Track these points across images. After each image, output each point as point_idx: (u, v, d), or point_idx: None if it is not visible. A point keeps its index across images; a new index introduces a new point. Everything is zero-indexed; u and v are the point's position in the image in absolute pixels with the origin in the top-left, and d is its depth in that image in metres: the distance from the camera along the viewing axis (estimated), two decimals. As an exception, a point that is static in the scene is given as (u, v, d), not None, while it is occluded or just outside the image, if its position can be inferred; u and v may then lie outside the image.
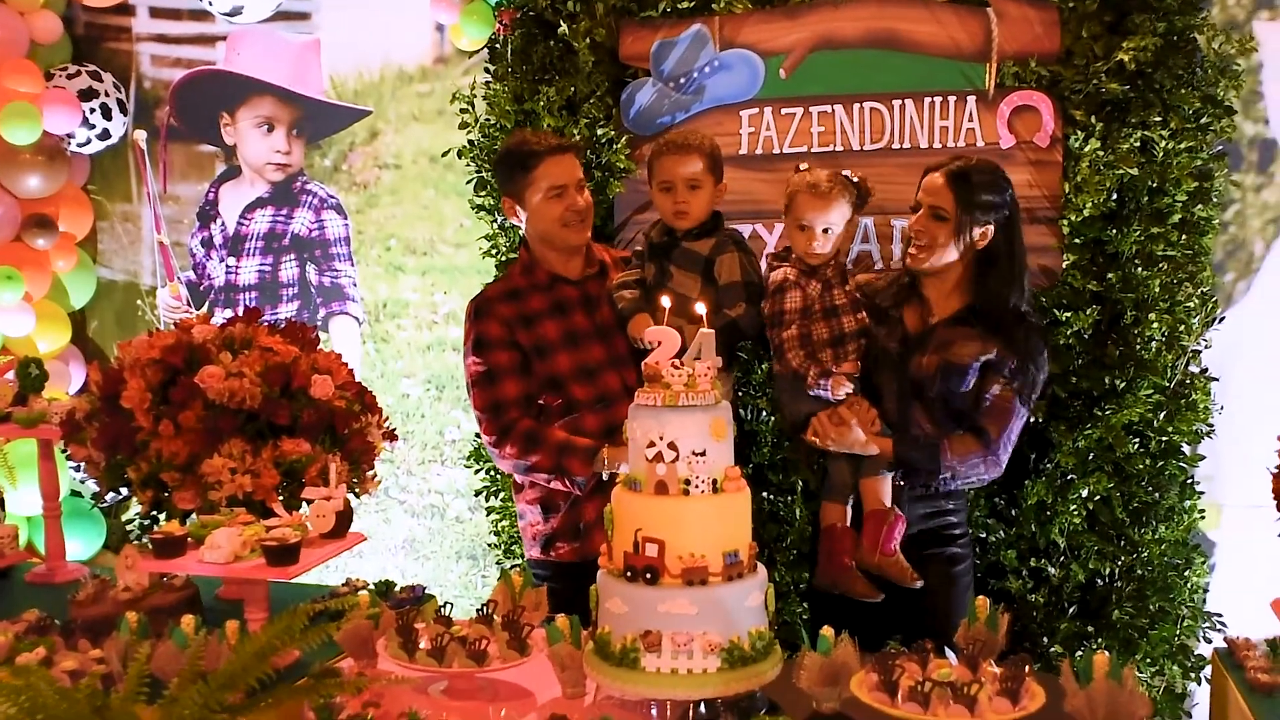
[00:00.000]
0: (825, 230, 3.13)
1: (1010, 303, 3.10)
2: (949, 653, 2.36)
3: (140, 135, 4.98)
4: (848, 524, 3.15)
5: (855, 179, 3.18)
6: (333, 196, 4.89)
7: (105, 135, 5.00)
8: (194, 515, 2.98)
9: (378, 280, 4.86)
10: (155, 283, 5.13)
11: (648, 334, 2.37)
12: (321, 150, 4.91)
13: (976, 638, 2.44)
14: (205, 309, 5.02)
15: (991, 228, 3.06)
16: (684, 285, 3.25)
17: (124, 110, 5.05)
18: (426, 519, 4.83)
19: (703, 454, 2.25)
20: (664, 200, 3.28)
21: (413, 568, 4.79)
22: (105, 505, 5.14)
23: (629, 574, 2.26)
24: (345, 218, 4.88)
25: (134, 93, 5.10)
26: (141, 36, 5.09)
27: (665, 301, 2.46)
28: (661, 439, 2.25)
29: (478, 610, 2.67)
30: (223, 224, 5.03)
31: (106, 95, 4.94)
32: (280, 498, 2.95)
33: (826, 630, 2.35)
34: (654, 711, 2.34)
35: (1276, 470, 2.65)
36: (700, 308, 2.42)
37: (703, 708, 2.31)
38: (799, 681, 2.34)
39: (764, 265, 3.40)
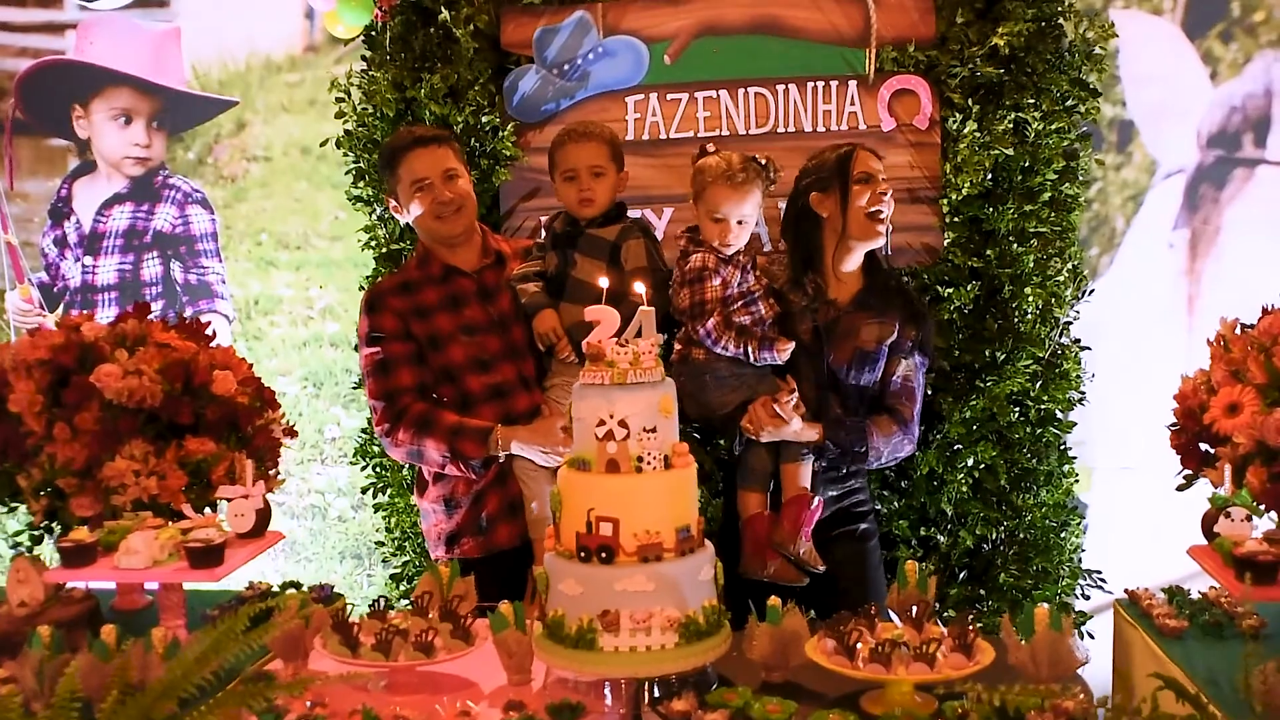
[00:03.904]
0: (740, 222, 3.10)
1: (891, 276, 3.26)
2: (892, 615, 2.42)
3: (-20, 130, 4.71)
4: (767, 510, 3.19)
5: (763, 161, 3.15)
6: (198, 191, 4.71)
7: (-56, 130, 4.72)
8: (85, 524, 2.84)
9: (249, 276, 4.70)
10: (3, 285, 4.85)
11: (587, 313, 2.37)
12: (185, 143, 4.72)
13: (911, 600, 2.52)
14: (60, 311, 4.77)
15: None
16: (588, 272, 3.23)
17: (-37, 102, 4.78)
18: (307, 520, 4.70)
19: (653, 431, 2.27)
20: (568, 190, 3.26)
21: (294, 570, 4.66)
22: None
23: (583, 554, 2.26)
24: (212, 212, 4.71)
25: (-28, 85, 4.83)
26: (-19, 24, 4.82)
27: (603, 282, 2.45)
28: (611, 417, 2.26)
29: (411, 603, 2.63)
30: (77, 221, 4.79)
31: (-54, 87, 4.67)
32: (187, 499, 2.85)
33: (774, 600, 2.40)
34: (607, 691, 2.34)
35: (1174, 428, 2.80)
36: (640, 287, 2.43)
37: (655, 685, 2.32)
38: (750, 653, 2.38)
39: (672, 243, 3.38)
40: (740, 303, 3.15)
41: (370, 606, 2.61)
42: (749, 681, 2.35)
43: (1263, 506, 2.50)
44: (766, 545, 3.11)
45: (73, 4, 4.55)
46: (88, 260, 4.78)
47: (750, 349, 3.09)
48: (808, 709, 2.17)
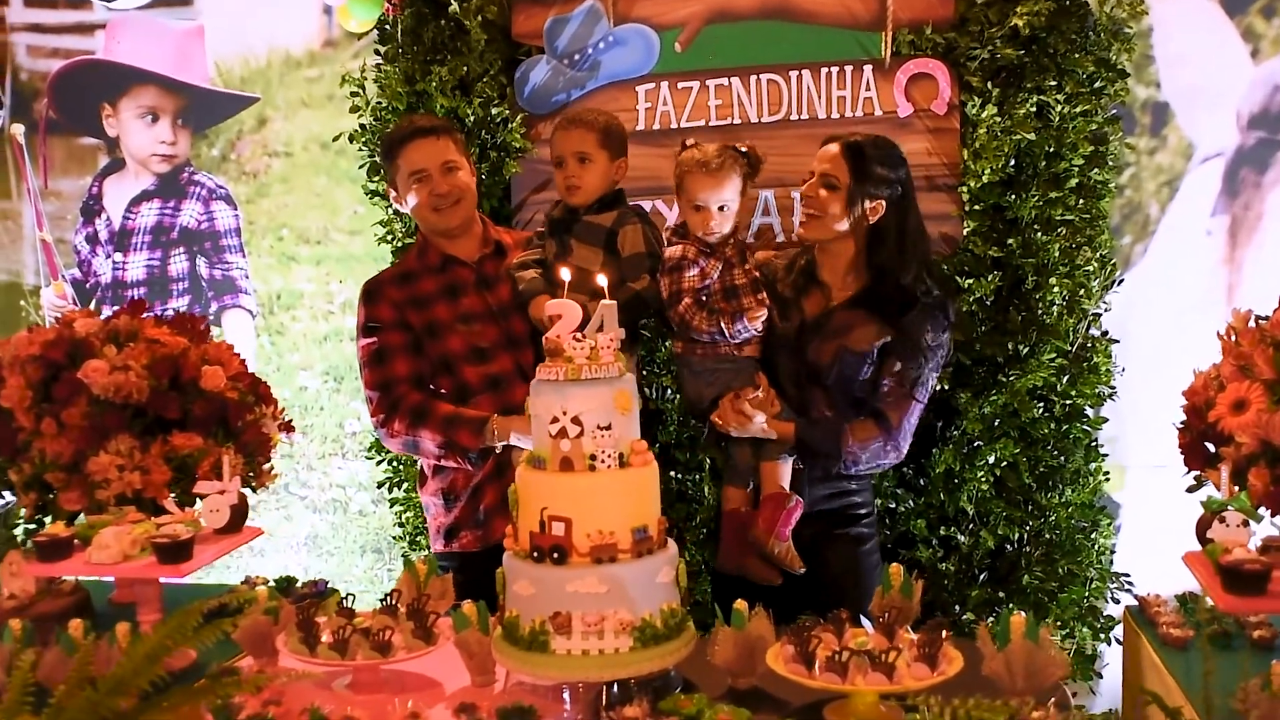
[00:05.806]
0: (721, 208, 3.04)
1: (902, 282, 3.01)
2: (865, 621, 2.33)
3: (18, 129, 4.80)
4: (750, 507, 3.11)
5: (744, 149, 3.08)
6: (221, 187, 4.76)
7: (-17, 130, 4.83)
8: (82, 516, 2.87)
9: (271, 271, 4.74)
10: (39, 282, 4.95)
11: (547, 307, 2.31)
12: (208, 140, 4.77)
13: (891, 605, 2.42)
14: (93, 307, 4.84)
15: (883, 203, 2.99)
16: (585, 259, 3.17)
17: (0, 104, 4.87)
18: (329, 514, 4.72)
19: (608, 428, 2.20)
20: (558, 176, 3.23)
21: (316, 564, 4.68)
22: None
23: (536, 554, 2.20)
24: (235, 208, 4.76)
25: (9, 85, 4.91)
26: (16, 26, 4.90)
27: (565, 274, 2.39)
28: (565, 414, 2.19)
29: (381, 601, 2.59)
30: (108, 219, 4.87)
31: (-16, 88, 4.79)
32: (172, 494, 2.85)
33: (740, 604, 2.32)
34: (566, 695, 2.29)
35: (1181, 425, 2.66)
36: (601, 279, 2.36)
37: (615, 689, 2.26)
38: (714, 658, 2.30)
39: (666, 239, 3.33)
40: (721, 296, 3.07)
41: (338, 603, 2.58)
42: (718, 686, 2.29)
43: (1266, 511, 2.35)
44: (741, 541, 3.03)
45: (102, 5, 4.61)
46: (118, 257, 4.86)
47: (724, 326, 3.02)
48: (765, 719, 2.10)
